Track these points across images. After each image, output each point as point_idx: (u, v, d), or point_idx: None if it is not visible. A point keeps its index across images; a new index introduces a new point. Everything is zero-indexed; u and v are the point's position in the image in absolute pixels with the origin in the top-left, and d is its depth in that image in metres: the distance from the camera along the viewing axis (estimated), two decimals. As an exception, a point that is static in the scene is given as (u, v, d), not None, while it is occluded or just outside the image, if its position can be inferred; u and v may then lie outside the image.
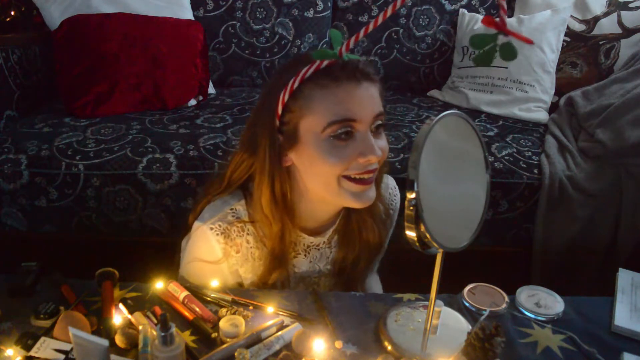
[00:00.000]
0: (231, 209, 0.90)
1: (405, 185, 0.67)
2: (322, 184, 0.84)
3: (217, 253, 0.90)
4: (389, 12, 0.71)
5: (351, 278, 1.00)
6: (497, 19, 0.61)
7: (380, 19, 0.71)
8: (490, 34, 0.61)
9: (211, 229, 0.88)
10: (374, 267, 1.07)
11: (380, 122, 0.83)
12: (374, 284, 1.11)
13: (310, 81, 0.80)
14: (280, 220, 0.87)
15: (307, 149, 0.82)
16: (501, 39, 0.61)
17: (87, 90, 1.63)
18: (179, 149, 1.45)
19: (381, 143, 0.83)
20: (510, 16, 1.93)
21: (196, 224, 0.91)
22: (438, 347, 0.79)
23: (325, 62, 0.78)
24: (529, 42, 0.64)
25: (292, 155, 0.85)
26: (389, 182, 1.05)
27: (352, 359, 0.78)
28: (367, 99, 0.81)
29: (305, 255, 0.96)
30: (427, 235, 0.68)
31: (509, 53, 0.60)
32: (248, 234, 0.91)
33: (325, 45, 2.05)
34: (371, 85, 0.82)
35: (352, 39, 0.75)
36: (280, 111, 0.81)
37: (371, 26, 0.72)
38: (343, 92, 0.79)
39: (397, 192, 1.07)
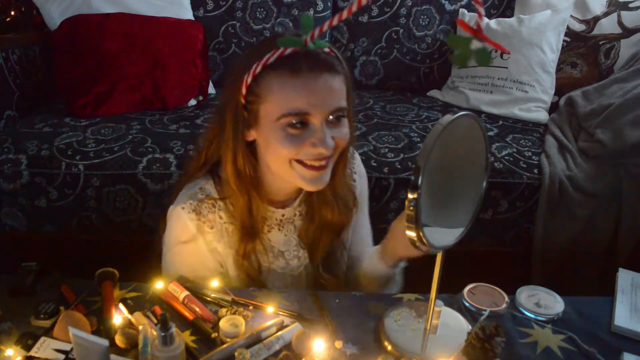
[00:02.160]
0: (200, 188, 0.94)
1: (405, 184, 0.67)
2: (277, 164, 0.87)
3: (190, 229, 0.92)
4: (354, 8, 0.67)
5: (313, 252, 1.01)
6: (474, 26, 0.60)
7: (345, 14, 0.69)
8: (465, 37, 0.60)
9: (183, 208, 0.92)
10: (342, 249, 1.06)
11: (340, 114, 0.84)
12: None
13: (272, 69, 0.81)
14: (246, 193, 0.91)
15: (263, 132, 0.85)
16: (475, 44, 0.60)
17: (87, 90, 1.63)
18: (179, 149, 1.45)
19: (339, 133, 0.84)
20: (510, 16, 1.93)
21: (170, 209, 0.94)
22: (438, 347, 0.79)
23: (290, 50, 0.79)
24: (505, 51, 0.63)
25: (253, 132, 0.87)
26: (355, 156, 1.06)
27: (352, 359, 0.78)
28: (325, 92, 0.81)
29: (279, 229, 0.98)
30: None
31: (483, 59, 0.59)
32: (220, 209, 0.93)
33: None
34: (333, 77, 0.82)
35: (317, 30, 0.74)
36: (244, 92, 0.84)
37: (335, 20, 0.70)
38: (300, 84, 0.80)
39: (361, 171, 1.08)
